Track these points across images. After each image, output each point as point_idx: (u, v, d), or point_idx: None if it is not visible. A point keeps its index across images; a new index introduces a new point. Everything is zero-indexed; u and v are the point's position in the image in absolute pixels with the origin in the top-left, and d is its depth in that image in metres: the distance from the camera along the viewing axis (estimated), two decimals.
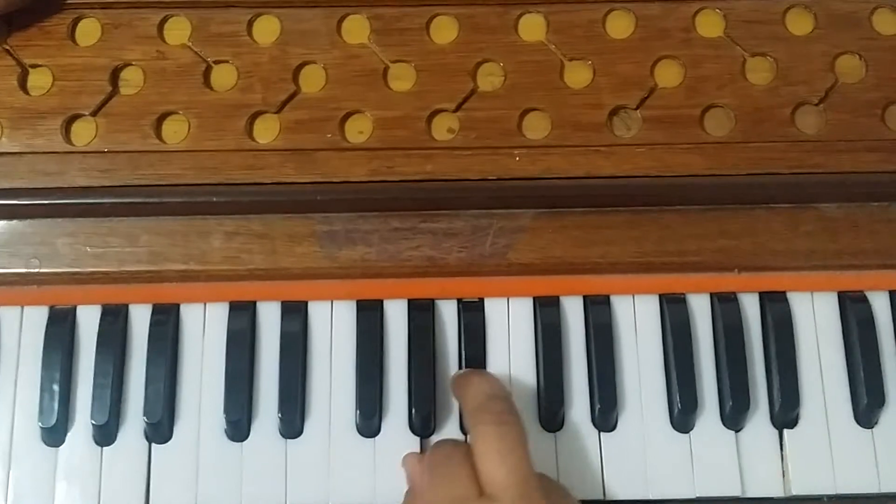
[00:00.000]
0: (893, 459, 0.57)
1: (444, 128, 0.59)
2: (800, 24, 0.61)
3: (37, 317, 0.58)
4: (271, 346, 0.58)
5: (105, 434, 0.57)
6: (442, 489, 0.50)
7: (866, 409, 0.57)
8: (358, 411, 0.57)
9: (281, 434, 0.57)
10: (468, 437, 0.57)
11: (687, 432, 0.57)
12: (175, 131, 0.58)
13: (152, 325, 0.58)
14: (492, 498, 0.48)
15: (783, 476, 0.57)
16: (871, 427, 0.58)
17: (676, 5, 0.60)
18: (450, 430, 0.57)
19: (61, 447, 0.57)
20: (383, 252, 0.58)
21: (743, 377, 0.58)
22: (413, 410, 0.57)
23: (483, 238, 0.58)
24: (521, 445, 0.50)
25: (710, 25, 0.60)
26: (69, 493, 0.56)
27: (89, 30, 0.60)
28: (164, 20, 0.60)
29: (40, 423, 0.56)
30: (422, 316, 0.59)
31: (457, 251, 0.58)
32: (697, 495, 0.57)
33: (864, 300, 0.59)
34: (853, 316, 0.59)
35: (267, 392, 0.57)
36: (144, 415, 0.56)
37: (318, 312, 0.59)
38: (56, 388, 0.57)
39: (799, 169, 0.58)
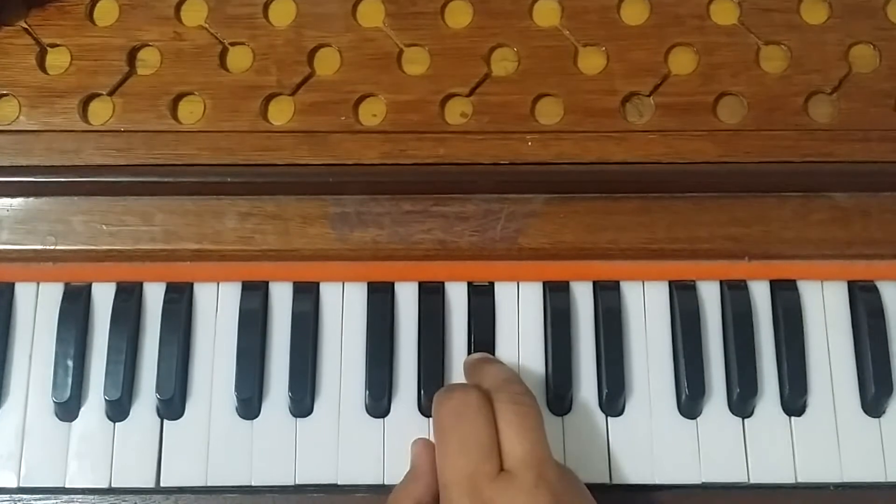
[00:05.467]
0: None
1: (457, 112, 0.59)
2: (814, 12, 0.60)
3: (52, 293, 0.59)
4: (283, 326, 0.59)
5: (118, 410, 0.57)
6: (461, 458, 0.49)
7: (874, 399, 0.57)
8: (367, 391, 0.57)
9: (291, 413, 0.58)
10: None
11: (694, 418, 0.58)
12: (191, 112, 0.59)
13: (166, 303, 0.59)
14: (510, 476, 0.48)
15: (789, 463, 0.57)
16: (879, 416, 0.58)
17: None
18: None
19: (74, 422, 0.57)
20: (394, 235, 0.58)
21: (751, 364, 0.58)
22: (422, 392, 0.58)
23: (494, 222, 0.58)
24: (539, 426, 0.51)
25: (724, 13, 0.60)
26: (81, 468, 0.57)
27: (107, 10, 0.61)
28: (181, 1, 0.61)
29: (54, 398, 0.57)
30: (432, 298, 0.59)
31: (468, 235, 0.58)
32: (703, 481, 0.57)
33: (874, 289, 0.59)
34: (863, 305, 0.59)
35: (278, 371, 0.58)
36: (157, 391, 0.57)
37: (330, 293, 0.59)
38: (70, 363, 0.57)
39: (811, 157, 0.57)
